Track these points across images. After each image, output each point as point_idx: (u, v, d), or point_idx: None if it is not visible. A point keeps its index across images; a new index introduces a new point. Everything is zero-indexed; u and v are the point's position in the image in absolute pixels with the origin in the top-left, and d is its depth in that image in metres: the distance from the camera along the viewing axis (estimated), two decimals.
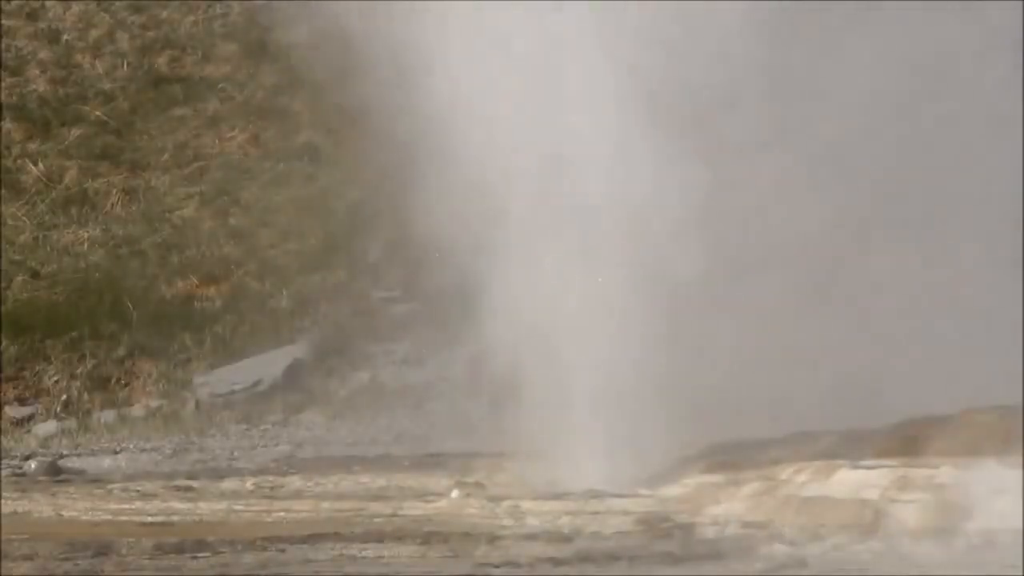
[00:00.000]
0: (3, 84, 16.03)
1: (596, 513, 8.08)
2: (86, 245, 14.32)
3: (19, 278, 13.90)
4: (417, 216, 9.29)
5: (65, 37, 16.61)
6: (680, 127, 8.80)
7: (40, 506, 9.30)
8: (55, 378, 13.01)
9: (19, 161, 15.30)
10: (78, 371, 13.01)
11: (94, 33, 16.62)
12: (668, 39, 8.90)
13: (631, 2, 8.96)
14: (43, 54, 16.41)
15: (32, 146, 15.49)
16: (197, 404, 12.48)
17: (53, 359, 13.09)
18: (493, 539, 7.68)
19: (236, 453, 11.32)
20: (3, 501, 9.21)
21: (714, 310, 8.85)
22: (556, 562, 7.30)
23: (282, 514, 8.74)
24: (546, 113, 9.06)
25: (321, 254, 13.84)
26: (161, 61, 16.27)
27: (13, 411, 12.81)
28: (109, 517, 8.96)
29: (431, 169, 9.18)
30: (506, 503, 8.44)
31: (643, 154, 8.83)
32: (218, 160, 15.20)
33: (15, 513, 9.08)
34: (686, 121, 8.82)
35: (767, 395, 8.90)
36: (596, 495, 8.37)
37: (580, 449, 8.82)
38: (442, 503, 8.68)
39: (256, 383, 12.52)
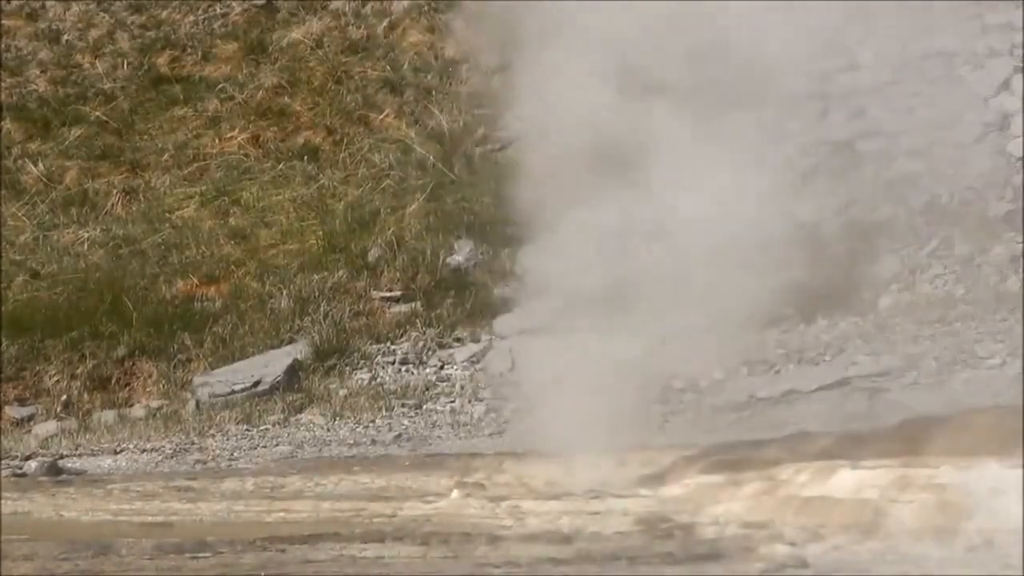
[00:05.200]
0: (3, 84, 16.04)
1: (596, 513, 8.09)
2: (86, 245, 14.31)
3: (19, 278, 13.90)
4: None
5: (65, 37, 16.61)
6: None
7: (40, 506, 9.31)
8: (55, 378, 13.00)
9: (19, 161, 15.30)
10: (78, 371, 13.00)
11: (94, 33, 16.62)
12: None
13: None
14: (43, 54, 16.42)
15: (32, 146, 15.49)
16: (197, 404, 12.48)
17: (53, 359, 13.09)
18: (493, 539, 7.69)
19: (236, 453, 11.33)
20: (3, 501, 9.22)
21: None
22: (556, 562, 7.31)
23: (282, 514, 8.75)
24: None
25: (321, 254, 13.84)
26: (161, 61, 16.27)
27: (13, 411, 12.81)
28: (109, 517, 8.97)
29: None
30: (506, 503, 8.44)
31: None
32: (218, 160, 15.20)
33: (15, 513, 9.09)
34: None
35: None
36: (596, 495, 8.37)
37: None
38: (442, 503, 8.68)
39: (256, 383, 12.51)
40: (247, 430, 11.89)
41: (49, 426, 12.46)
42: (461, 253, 13.50)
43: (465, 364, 12.61)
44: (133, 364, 13.10)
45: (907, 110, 12.22)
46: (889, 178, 11.36)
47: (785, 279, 8.77)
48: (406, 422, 11.83)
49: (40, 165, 15.17)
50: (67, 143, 15.44)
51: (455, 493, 8.82)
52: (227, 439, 11.72)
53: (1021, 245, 12.16)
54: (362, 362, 12.85)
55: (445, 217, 13.88)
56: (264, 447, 11.46)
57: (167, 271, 13.87)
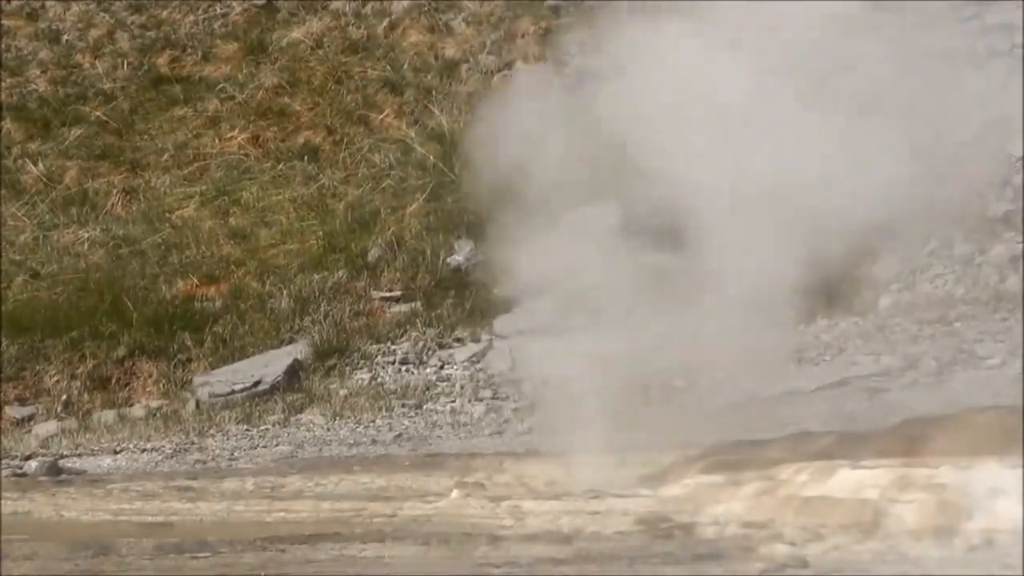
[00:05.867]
0: (3, 84, 16.04)
1: (596, 513, 8.08)
2: (86, 245, 14.32)
3: (19, 278, 13.90)
4: None
5: (65, 37, 16.62)
6: None
7: (40, 506, 9.31)
8: (55, 378, 13.00)
9: (19, 161, 15.30)
10: (78, 371, 13.00)
11: (94, 33, 16.63)
12: None
13: None
14: (43, 54, 16.42)
15: (32, 146, 15.49)
16: (197, 404, 12.48)
17: (53, 359, 13.09)
18: (493, 539, 7.69)
19: (236, 453, 11.33)
20: (3, 501, 9.22)
21: None
22: (556, 562, 7.31)
23: (282, 514, 8.75)
24: None
25: (321, 254, 13.84)
26: (161, 61, 16.28)
27: (13, 411, 12.80)
28: (109, 517, 8.98)
29: None
30: (506, 503, 8.43)
31: None
32: (218, 160, 15.20)
33: (15, 513, 9.09)
34: None
35: None
36: (596, 495, 8.37)
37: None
38: (442, 503, 8.68)
39: (256, 383, 12.52)
40: (247, 430, 11.89)
41: (49, 426, 12.46)
42: (461, 253, 13.50)
43: (465, 364, 12.61)
44: (133, 364, 13.10)
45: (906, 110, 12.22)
46: (889, 178, 11.35)
47: None
48: (406, 422, 11.82)
49: (40, 165, 15.18)
50: (67, 143, 15.45)
51: (455, 493, 8.81)
52: (227, 439, 11.72)
53: (1021, 245, 12.16)
54: (362, 362, 12.85)
55: (445, 217, 13.88)
56: (264, 447, 11.46)
57: (167, 271, 13.87)
